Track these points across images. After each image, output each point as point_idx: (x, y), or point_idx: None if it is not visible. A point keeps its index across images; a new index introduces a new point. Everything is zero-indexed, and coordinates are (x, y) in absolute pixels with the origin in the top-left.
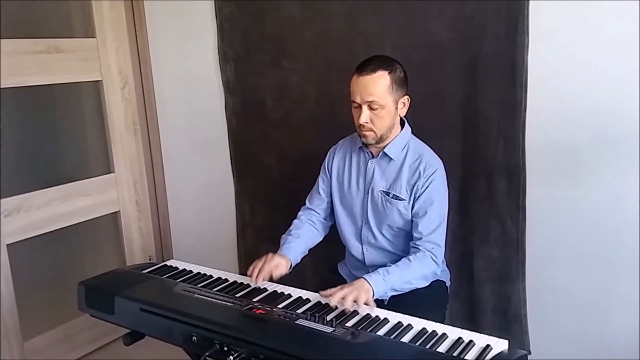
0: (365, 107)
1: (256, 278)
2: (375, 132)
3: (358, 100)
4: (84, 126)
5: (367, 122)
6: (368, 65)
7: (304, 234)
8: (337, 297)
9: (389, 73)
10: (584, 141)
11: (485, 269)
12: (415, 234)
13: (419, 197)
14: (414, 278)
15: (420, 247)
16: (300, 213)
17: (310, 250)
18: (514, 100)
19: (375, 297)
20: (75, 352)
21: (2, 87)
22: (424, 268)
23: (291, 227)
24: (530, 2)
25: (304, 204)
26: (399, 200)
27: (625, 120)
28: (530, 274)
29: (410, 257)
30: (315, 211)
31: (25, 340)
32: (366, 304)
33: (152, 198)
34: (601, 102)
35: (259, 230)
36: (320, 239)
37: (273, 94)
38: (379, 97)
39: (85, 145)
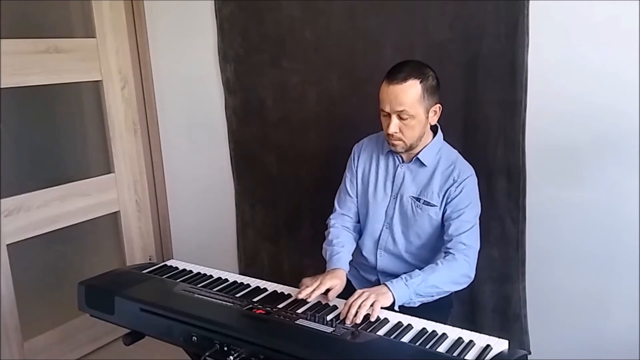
0: (394, 117)
1: (307, 295)
2: (404, 142)
3: (387, 109)
4: (84, 126)
5: (396, 132)
6: (399, 73)
7: (346, 242)
8: (354, 308)
9: (421, 82)
10: (584, 141)
11: (485, 269)
12: (446, 237)
13: (451, 201)
14: (441, 282)
15: (451, 249)
16: (332, 221)
17: (310, 249)
18: (514, 100)
19: (399, 304)
20: (75, 352)
21: (2, 87)
22: (453, 271)
23: (330, 237)
24: (530, 2)
25: (334, 209)
26: (430, 206)
27: (626, 120)
28: (530, 274)
29: (439, 261)
30: (347, 216)
31: (25, 340)
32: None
33: (152, 198)
34: (601, 102)
35: (259, 230)
36: (355, 245)
37: (273, 94)
38: (410, 107)
39: (85, 145)
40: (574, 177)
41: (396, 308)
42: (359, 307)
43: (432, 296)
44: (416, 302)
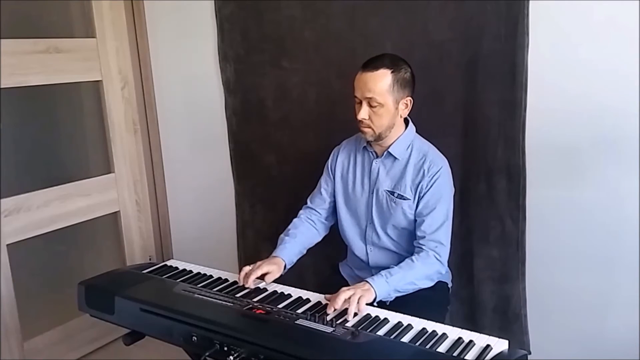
0: (365, 103)
1: (245, 280)
2: (373, 130)
3: (358, 95)
4: (84, 126)
5: (365, 119)
6: (372, 63)
7: (301, 234)
8: (340, 301)
9: (392, 72)
10: (584, 141)
11: (485, 269)
12: (418, 233)
13: (423, 195)
14: (417, 279)
15: (423, 247)
16: (300, 212)
17: (310, 249)
18: (514, 100)
19: (378, 299)
20: (75, 352)
21: (2, 87)
22: (427, 268)
23: (289, 227)
24: (530, 2)
25: (305, 204)
26: (404, 199)
27: (626, 120)
28: (530, 274)
29: (414, 258)
30: (316, 210)
31: (25, 340)
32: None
33: (152, 198)
34: (601, 102)
35: (259, 230)
36: (320, 239)
37: (273, 94)
38: (378, 94)
39: (85, 145)
40: (574, 177)
41: (375, 304)
42: (348, 303)
43: (408, 291)
44: (392, 297)
